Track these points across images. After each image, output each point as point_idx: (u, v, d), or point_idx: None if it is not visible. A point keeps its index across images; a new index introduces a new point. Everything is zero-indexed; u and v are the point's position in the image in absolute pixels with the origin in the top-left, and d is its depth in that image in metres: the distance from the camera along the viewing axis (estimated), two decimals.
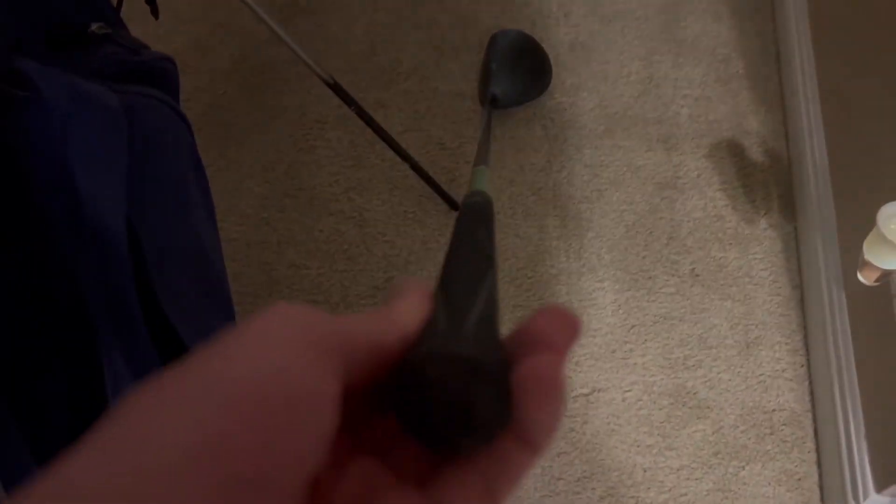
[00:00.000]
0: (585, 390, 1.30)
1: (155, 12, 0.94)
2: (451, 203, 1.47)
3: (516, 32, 1.70)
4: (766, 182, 1.50)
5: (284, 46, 1.14)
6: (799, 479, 1.22)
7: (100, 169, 0.67)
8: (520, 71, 1.63)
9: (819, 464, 1.23)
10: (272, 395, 0.20)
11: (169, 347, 0.80)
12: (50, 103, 0.62)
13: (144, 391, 0.20)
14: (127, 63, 0.75)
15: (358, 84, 1.65)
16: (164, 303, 0.73)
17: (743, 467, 1.23)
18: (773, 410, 1.27)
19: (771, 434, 1.25)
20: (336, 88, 1.16)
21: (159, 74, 0.79)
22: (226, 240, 1.45)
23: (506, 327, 0.26)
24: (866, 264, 0.98)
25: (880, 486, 1.06)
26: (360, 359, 0.24)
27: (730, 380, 1.30)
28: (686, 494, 1.22)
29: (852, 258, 1.16)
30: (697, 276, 1.40)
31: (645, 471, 1.23)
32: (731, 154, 1.53)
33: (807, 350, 1.32)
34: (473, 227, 0.34)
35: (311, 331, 0.22)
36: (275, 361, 0.21)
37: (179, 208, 0.81)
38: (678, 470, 1.23)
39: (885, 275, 0.99)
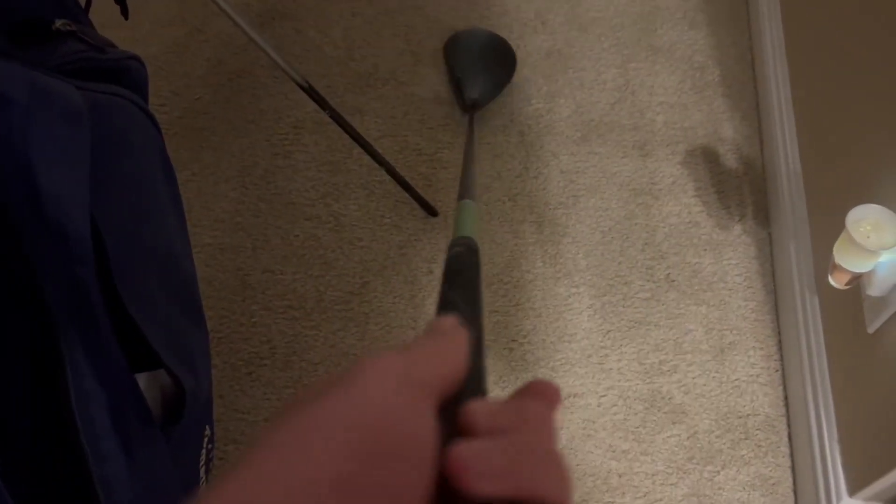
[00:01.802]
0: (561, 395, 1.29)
1: (125, 12, 0.93)
2: (428, 208, 1.47)
3: (465, 32, 1.70)
4: (740, 188, 1.51)
5: (261, 51, 1.14)
6: (773, 484, 1.22)
7: (62, 167, 0.66)
8: (485, 67, 1.63)
9: (793, 468, 1.23)
10: (387, 439, 0.23)
11: (134, 347, 0.79)
12: (10, 99, 0.61)
13: (284, 429, 0.23)
14: (92, 60, 0.74)
15: (335, 89, 1.64)
16: (129, 303, 0.72)
17: (718, 472, 1.23)
18: (748, 415, 1.28)
19: (745, 439, 1.25)
20: (311, 92, 1.16)
21: (126, 73, 0.78)
22: (200, 244, 1.44)
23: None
24: (837, 268, 0.99)
25: (853, 490, 1.06)
26: (446, 387, 0.26)
27: (704, 384, 1.30)
28: (661, 500, 1.21)
29: (824, 263, 1.17)
30: (672, 281, 1.40)
31: (620, 476, 1.23)
32: (706, 160, 1.54)
33: (781, 355, 1.33)
34: (461, 285, 0.34)
35: (410, 377, 0.25)
36: (388, 407, 0.23)
37: (146, 209, 0.80)
38: (653, 475, 1.23)
39: (856, 278, 1.00)
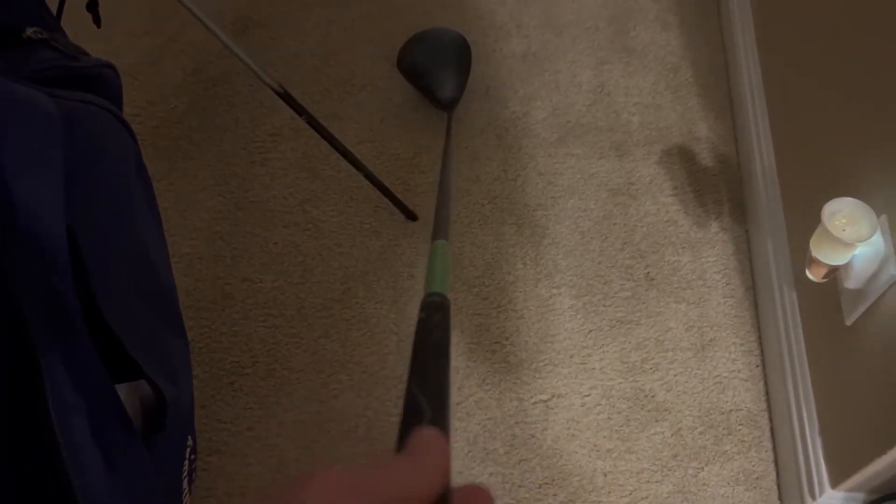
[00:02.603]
0: (545, 396, 1.30)
1: (97, 21, 0.92)
2: (408, 213, 1.47)
3: (410, 43, 1.66)
4: (716, 186, 1.52)
5: (236, 59, 1.13)
6: (757, 479, 1.23)
7: (36, 176, 0.65)
8: (444, 63, 1.60)
9: (776, 462, 1.24)
10: None
11: (114, 357, 0.78)
12: None
13: None
14: (65, 69, 0.74)
15: (312, 96, 1.64)
16: (107, 311, 0.72)
17: (702, 468, 1.24)
18: (730, 411, 1.28)
19: (728, 434, 1.26)
20: (287, 98, 1.15)
21: (100, 81, 0.78)
22: (178, 254, 1.43)
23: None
24: (813, 261, 1.00)
25: (835, 482, 1.07)
26: None
27: (687, 382, 1.31)
28: (647, 497, 1.22)
29: (801, 258, 1.18)
30: (652, 280, 1.41)
31: (605, 475, 1.23)
32: (682, 160, 1.55)
33: (761, 350, 1.34)
34: (429, 373, 0.34)
35: (358, 493, 0.24)
36: None
37: (123, 216, 0.79)
38: (638, 473, 1.23)
39: (833, 271, 1.01)
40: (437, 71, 1.60)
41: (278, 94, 1.14)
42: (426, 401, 0.31)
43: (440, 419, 0.30)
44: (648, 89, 1.66)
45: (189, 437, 1.03)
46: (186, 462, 0.99)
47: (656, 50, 1.72)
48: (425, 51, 1.64)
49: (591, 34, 1.75)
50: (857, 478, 1.00)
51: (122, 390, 0.84)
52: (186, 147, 1.57)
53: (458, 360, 1.33)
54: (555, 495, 1.22)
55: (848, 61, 1.13)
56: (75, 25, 1.01)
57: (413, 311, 1.38)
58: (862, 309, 0.98)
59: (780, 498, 1.21)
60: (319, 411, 1.28)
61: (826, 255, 0.96)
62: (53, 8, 0.87)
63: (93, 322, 0.72)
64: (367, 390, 1.29)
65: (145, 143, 1.58)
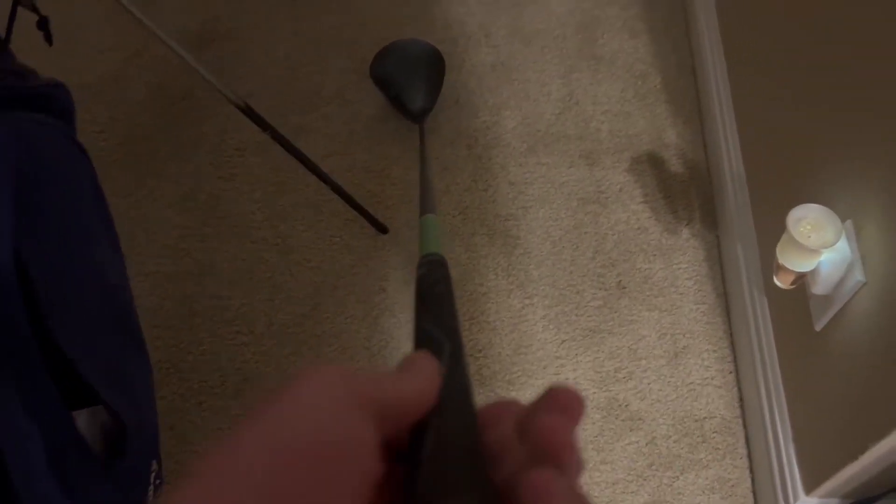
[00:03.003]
0: None
1: (48, 38, 0.90)
2: (378, 226, 1.46)
3: (385, 52, 1.66)
4: (686, 193, 1.52)
5: (209, 71, 1.11)
6: (732, 486, 1.22)
7: None
8: (417, 74, 1.61)
9: (751, 469, 1.24)
10: (320, 449, 0.23)
11: (70, 383, 0.76)
12: None
13: (215, 454, 0.23)
14: (13, 89, 0.72)
15: (279, 109, 1.62)
16: (60, 335, 0.70)
17: (677, 477, 1.23)
18: (704, 418, 1.28)
19: (703, 442, 1.26)
20: (249, 113, 1.14)
21: (50, 101, 0.76)
22: (144, 273, 1.40)
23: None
24: (781, 268, 1.00)
25: (809, 488, 1.07)
26: (390, 411, 0.26)
27: (660, 390, 1.30)
28: None
29: (771, 263, 1.18)
30: (624, 288, 1.40)
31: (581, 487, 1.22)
32: (652, 167, 1.55)
33: (734, 356, 1.34)
34: (432, 310, 0.34)
35: (350, 386, 0.25)
36: (321, 419, 0.24)
37: (76, 239, 0.77)
38: (614, 484, 1.23)
39: (800, 277, 1.01)
40: (409, 82, 1.60)
41: (241, 109, 1.12)
42: (443, 334, 0.32)
43: (459, 351, 0.31)
44: (617, 97, 1.66)
45: (154, 461, 1.01)
46: (151, 487, 0.97)
47: (624, 57, 1.73)
48: (397, 61, 1.63)
49: (559, 43, 1.75)
50: (830, 484, 1.00)
51: (82, 416, 0.82)
52: (152, 164, 1.55)
53: None
54: None
55: (813, 68, 1.13)
56: (34, 42, 0.99)
57: (386, 325, 1.36)
58: (830, 314, 0.98)
59: None
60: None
61: (792, 261, 0.96)
62: (2, 29, 0.85)
63: (46, 347, 0.70)
64: None
65: (109, 159, 1.55)
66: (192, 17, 1.79)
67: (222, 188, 1.51)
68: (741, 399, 1.29)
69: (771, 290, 1.22)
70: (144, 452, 0.96)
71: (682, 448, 1.25)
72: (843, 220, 0.94)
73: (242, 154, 1.56)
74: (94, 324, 0.80)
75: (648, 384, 1.31)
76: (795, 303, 1.11)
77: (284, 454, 0.23)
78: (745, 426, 1.27)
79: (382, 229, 1.47)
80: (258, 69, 1.70)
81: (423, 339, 0.32)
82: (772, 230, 1.22)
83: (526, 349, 1.35)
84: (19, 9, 0.94)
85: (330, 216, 1.48)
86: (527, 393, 1.30)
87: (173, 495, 0.22)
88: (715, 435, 1.26)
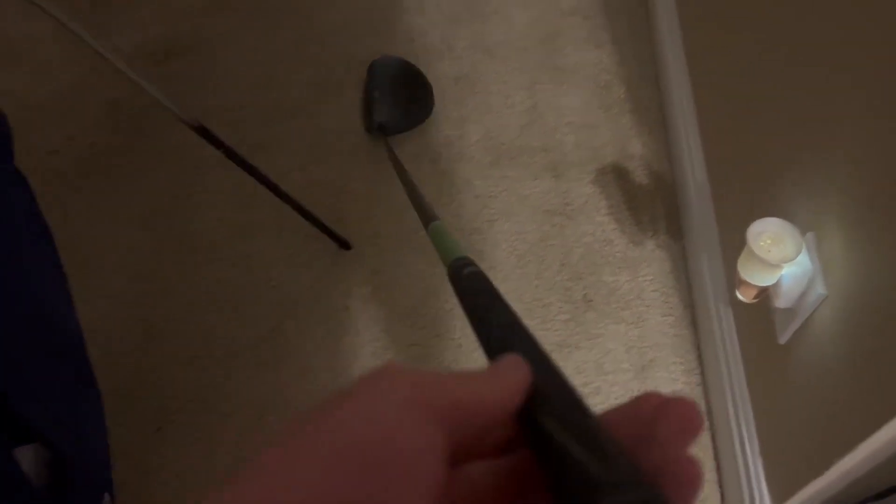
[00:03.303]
0: None
1: None
2: (341, 242, 1.43)
3: (395, 59, 1.69)
4: (651, 204, 1.51)
5: (161, 92, 1.08)
6: (702, 501, 1.21)
7: None
8: (402, 97, 1.62)
9: (720, 483, 1.23)
10: (380, 454, 0.22)
11: (6, 417, 0.73)
12: None
13: (270, 454, 0.23)
14: None
15: (239, 125, 1.59)
16: None
17: None
18: None
19: None
20: (202, 132, 1.11)
21: None
22: (100, 296, 1.37)
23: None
24: (743, 282, 0.98)
25: (777, 502, 1.05)
26: (464, 418, 0.25)
27: None
28: None
29: (735, 275, 1.17)
30: (590, 301, 1.39)
31: None
32: (617, 178, 1.54)
33: (701, 368, 1.32)
34: (495, 315, 0.32)
35: (417, 391, 0.24)
36: (383, 422, 0.23)
37: (13, 271, 0.74)
38: None
39: (762, 291, 1.00)
40: (391, 99, 1.60)
41: (193, 128, 1.10)
42: (513, 334, 0.30)
43: (535, 345, 0.30)
44: (581, 108, 1.65)
45: (106, 493, 0.97)
46: None
47: (588, 68, 1.72)
48: (397, 76, 1.67)
49: (522, 54, 1.74)
50: (797, 499, 0.99)
51: (27, 453, 0.79)
52: (108, 183, 1.51)
53: None
54: None
55: (773, 81, 1.13)
56: None
57: (350, 344, 1.33)
58: (794, 328, 0.97)
59: None
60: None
61: (754, 276, 0.95)
62: None
63: None
64: None
65: (64, 180, 1.52)
66: (149, 33, 1.75)
67: (181, 206, 1.48)
68: (709, 413, 1.28)
69: (736, 302, 1.21)
70: (93, 485, 0.93)
71: None
72: (803, 233, 0.93)
73: (202, 171, 1.53)
74: (34, 357, 0.76)
75: (616, 399, 1.29)
76: (759, 316, 1.10)
77: (343, 460, 0.22)
78: (713, 439, 1.26)
79: (345, 245, 1.44)
80: (218, 85, 1.67)
81: (495, 344, 0.30)
82: (736, 242, 1.21)
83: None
84: None
85: (291, 233, 1.46)
86: None
87: (225, 493, 0.22)
88: None
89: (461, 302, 0.36)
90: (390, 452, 0.22)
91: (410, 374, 0.25)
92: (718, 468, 1.23)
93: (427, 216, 0.73)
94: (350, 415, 0.23)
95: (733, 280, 1.20)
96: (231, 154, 1.16)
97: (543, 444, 0.25)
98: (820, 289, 0.89)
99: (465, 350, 1.33)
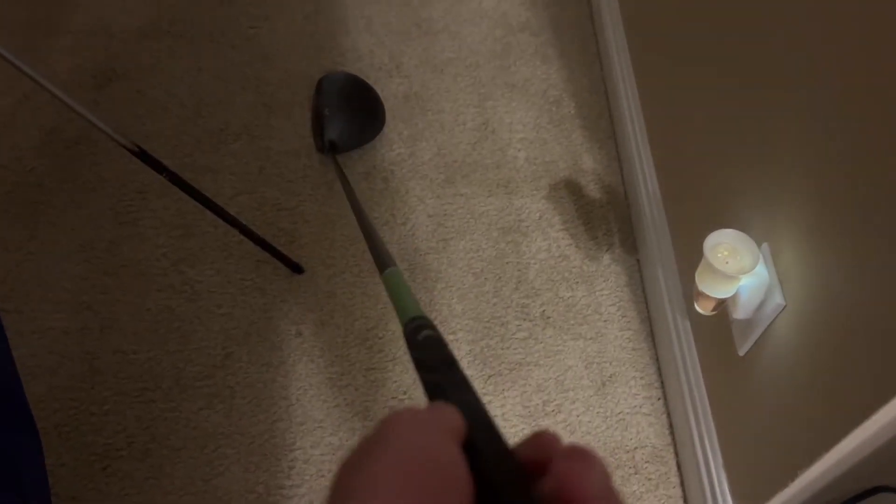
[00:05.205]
0: None
1: None
2: (293, 266, 1.39)
3: (344, 74, 1.67)
4: (605, 217, 1.51)
5: (99, 117, 1.04)
6: None
7: None
8: (353, 111, 1.60)
9: (685, 498, 1.21)
10: (433, 471, 0.27)
11: None
12: None
13: (350, 477, 0.27)
14: None
15: (183, 149, 1.55)
16: None
17: None
18: (636, 448, 1.25)
19: (635, 473, 1.23)
20: (142, 156, 1.07)
21: None
22: (41, 330, 1.31)
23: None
24: (700, 295, 0.98)
25: None
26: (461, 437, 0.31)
27: (590, 421, 1.27)
28: None
29: (693, 287, 1.16)
30: (548, 318, 1.37)
31: None
32: (570, 193, 1.53)
33: (661, 382, 1.32)
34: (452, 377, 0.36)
35: (437, 420, 0.30)
36: (427, 447, 0.28)
37: None
38: None
39: (720, 303, 0.99)
40: (342, 116, 1.58)
41: (133, 153, 1.05)
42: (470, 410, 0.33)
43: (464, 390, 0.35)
44: (532, 124, 1.64)
45: None
46: None
47: (538, 84, 1.72)
48: (347, 93, 1.64)
49: (471, 71, 1.73)
50: None
51: None
52: (47, 211, 1.45)
53: (354, 419, 1.25)
54: None
55: (722, 91, 1.13)
56: None
57: (303, 371, 1.29)
58: (753, 339, 0.97)
59: None
60: (205, 490, 1.17)
61: (711, 288, 0.94)
62: None
63: None
64: (256, 463, 1.20)
65: None
66: (88, 57, 1.70)
67: (123, 234, 1.43)
68: (671, 426, 1.27)
69: (694, 314, 1.21)
70: None
71: (614, 481, 1.22)
72: (759, 244, 0.93)
73: (144, 197, 1.48)
74: None
75: (577, 416, 1.28)
76: (718, 328, 1.10)
77: (410, 480, 0.26)
78: (676, 454, 1.25)
79: (297, 269, 1.41)
80: (161, 108, 1.62)
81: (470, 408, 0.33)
82: (691, 253, 1.21)
83: None
84: None
85: (240, 258, 1.41)
86: None
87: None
88: (647, 465, 1.24)
89: (416, 371, 0.38)
90: (439, 469, 0.27)
91: (422, 410, 0.30)
92: (682, 483, 1.22)
93: (382, 261, 0.68)
94: (402, 441, 0.28)
95: (691, 292, 1.20)
96: (174, 178, 1.12)
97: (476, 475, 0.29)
98: (778, 299, 0.89)
99: None
